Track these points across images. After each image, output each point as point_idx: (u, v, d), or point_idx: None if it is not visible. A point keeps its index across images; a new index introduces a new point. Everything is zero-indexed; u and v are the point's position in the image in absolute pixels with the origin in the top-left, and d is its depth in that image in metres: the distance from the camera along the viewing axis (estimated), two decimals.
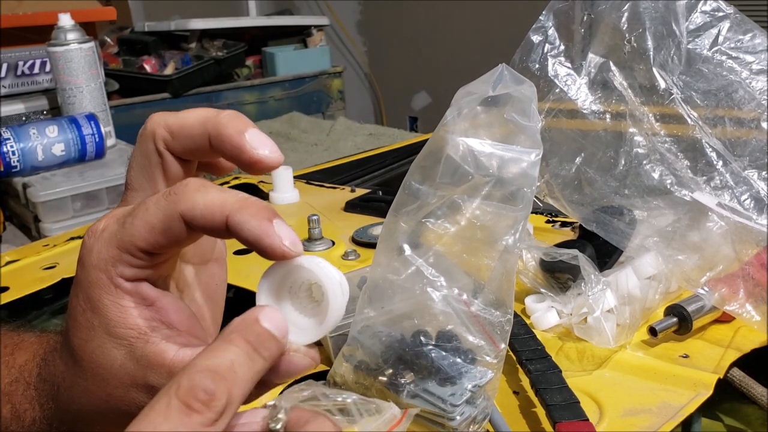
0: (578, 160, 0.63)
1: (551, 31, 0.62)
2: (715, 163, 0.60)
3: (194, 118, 0.34)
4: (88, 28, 1.42)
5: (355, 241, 0.80)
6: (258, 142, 0.32)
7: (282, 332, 0.30)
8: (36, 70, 1.48)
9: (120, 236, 0.32)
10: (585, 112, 0.62)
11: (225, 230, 0.31)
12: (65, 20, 1.26)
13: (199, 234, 0.32)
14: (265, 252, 0.30)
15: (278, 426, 0.29)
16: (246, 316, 0.30)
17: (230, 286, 0.65)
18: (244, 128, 0.33)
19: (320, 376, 0.54)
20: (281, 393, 0.32)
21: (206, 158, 0.36)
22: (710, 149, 0.60)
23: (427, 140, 0.45)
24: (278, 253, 0.30)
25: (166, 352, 0.32)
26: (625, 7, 0.62)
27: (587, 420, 0.44)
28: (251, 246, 0.30)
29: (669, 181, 0.61)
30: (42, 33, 1.36)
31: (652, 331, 0.55)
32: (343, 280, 0.32)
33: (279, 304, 0.32)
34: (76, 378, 0.34)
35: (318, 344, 0.61)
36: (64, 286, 0.79)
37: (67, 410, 0.35)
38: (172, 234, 0.31)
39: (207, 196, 0.31)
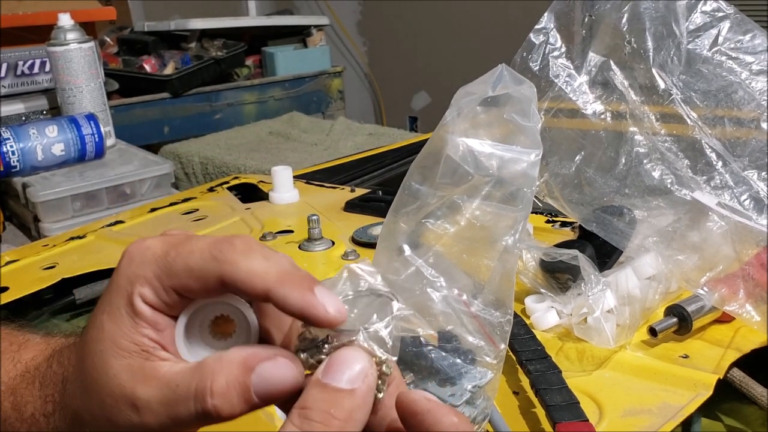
0: (578, 159, 0.63)
1: (552, 32, 0.62)
2: (714, 163, 0.60)
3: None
4: (88, 28, 1.42)
5: (354, 241, 0.80)
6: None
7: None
8: (36, 69, 1.48)
9: (158, 264, 0.32)
10: (585, 111, 0.62)
11: (264, 300, 0.31)
12: (65, 20, 1.26)
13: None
14: (310, 322, 0.31)
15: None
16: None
17: None
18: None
19: None
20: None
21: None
22: (710, 149, 0.60)
23: (426, 140, 0.45)
24: (324, 322, 0.31)
25: (161, 367, 0.32)
26: (626, 8, 0.62)
27: (587, 420, 0.44)
28: (296, 317, 0.31)
29: (669, 181, 0.61)
30: (42, 33, 1.37)
31: (652, 332, 0.55)
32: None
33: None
34: (79, 377, 0.35)
35: None
36: (63, 287, 0.79)
37: (68, 408, 0.36)
38: (206, 285, 0.32)
39: (251, 264, 0.31)
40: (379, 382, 0.32)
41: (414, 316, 0.34)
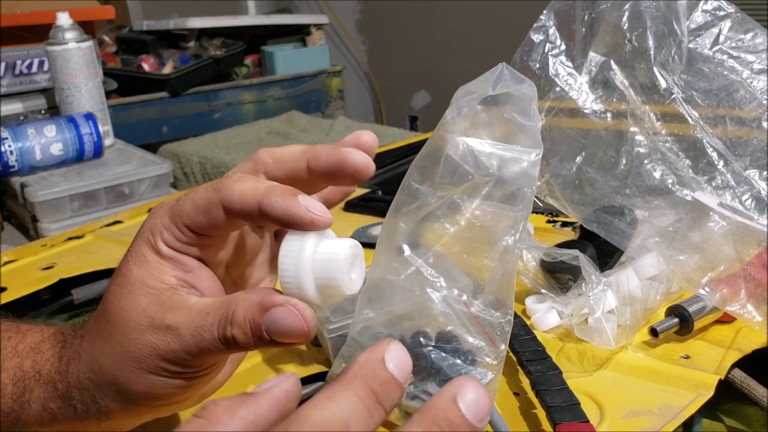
0: (579, 159, 0.62)
1: (552, 31, 0.62)
2: (716, 162, 0.60)
3: (295, 149, 0.39)
4: (87, 27, 1.42)
5: None
6: (356, 153, 0.38)
7: (405, 376, 0.30)
8: (34, 69, 1.48)
9: (173, 210, 0.37)
10: (586, 111, 0.62)
11: (258, 214, 0.34)
12: (63, 19, 1.26)
13: (236, 220, 0.36)
14: (294, 223, 0.34)
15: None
16: (372, 355, 0.29)
17: None
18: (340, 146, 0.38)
19: (320, 377, 0.54)
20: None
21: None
22: (711, 149, 0.60)
23: (426, 140, 0.45)
24: (306, 221, 0.33)
25: (189, 299, 0.36)
26: (626, 6, 0.62)
27: (588, 421, 0.44)
28: (283, 222, 0.34)
29: (670, 181, 0.61)
30: (40, 32, 1.36)
31: (653, 332, 0.54)
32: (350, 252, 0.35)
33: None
34: (99, 325, 0.38)
35: (317, 345, 0.61)
36: (61, 287, 0.78)
37: (85, 356, 0.38)
38: (212, 216, 0.35)
39: (243, 186, 0.35)
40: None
41: None
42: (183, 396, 0.38)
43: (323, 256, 0.34)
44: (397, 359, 0.29)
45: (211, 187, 0.36)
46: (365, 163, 0.38)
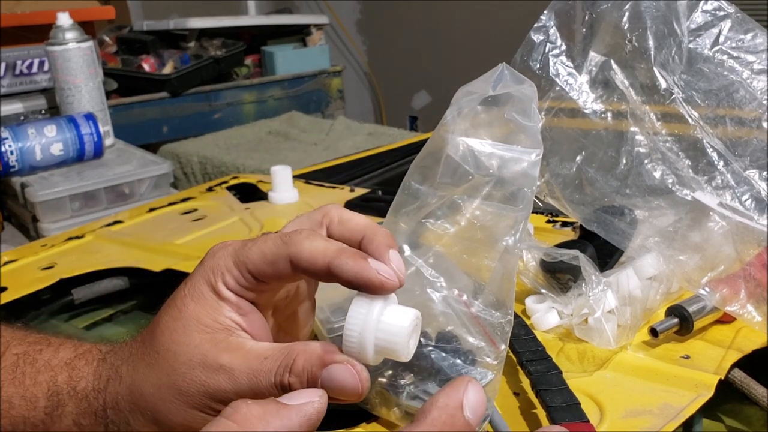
0: (579, 159, 0.62)
1: (552, 31, 0.62)
2: (716, 162, 0.60)
3: (361, 219, 0.40)
4: (87, 28, 1.42)
5: None
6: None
7: (479, 420, 0.31)
8: (34, 69, 1.48)
9: (238, 254, 0.37)
10: (586, 111, 0.62)
11: (326, 274, 0.35)
12: (64, 19, 1.26)
13: (300, 275, 0.37)
14: (365, 286, 0.35)
15: None
16: (452, 397, 0.31)
17: None
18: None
19: None
20: None
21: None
22: (711, 149, 0.60)
23: (427, 140, 0.45)
24: (377, 284, 0.35)
25: (245, 343, 0.37)
26: (627, 7, 0.62)
27: (588, 421, 0.44)
28: (353, 284, 0.35)
29: (670, 181, 0.61)
30: (40, 32, 1.36)
31: (653, 332, 0.54)
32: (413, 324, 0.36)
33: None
34: (146, 352, 0.38)
35: None
36: (62, 287, 0.78)
37: (125, 379, 0.38)
38: (277, 268, 0.36)
39: (313, 244, 0.36)
40: None
41: None
42: None
43: (387, 327, 0.35)
44: (474, 404, 0.31)
45: (280, 240, 0.36)
46: (391, 284, 0.36)
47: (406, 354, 0.36)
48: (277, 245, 0.36)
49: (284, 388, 0.35)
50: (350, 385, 0.34)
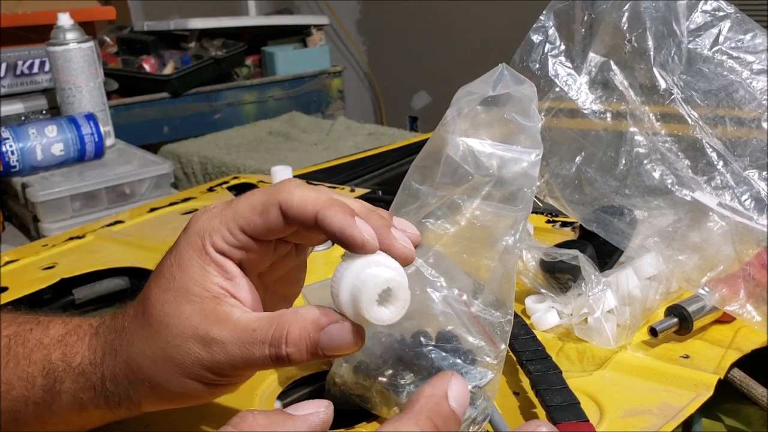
0: (578, 159, 0.62)
1: (552, 31, 0.62)
2: (715, 163, 0.60)
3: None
4: (88, 28, 1.42)
5: None
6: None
7: (464, 410, 0.31)
8: (35, 69, 1.48)
9: (224, 212, 0.37)
10: (585, 111, 0.62)
11: (314, 223, 0.35)
12: (64, 20, 1.26)
13: (290, 227, 0.36)
14: (347, 241, 0.35)
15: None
16: (437, 388, 0.31)
17: None
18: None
19: (320, 377, 0.54)
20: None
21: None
22: (711, 149, 0.60)
23: (427, 140, 0.45)
24: (359, 242, 0.34)
25: (233, 312, 0.36)
26: (626, 7, 0.62)
27: (587, 421, 0.44)
28: (335, 238, 0.35)
29: (670, 181, 0.61)
30: (41, 32, 1.36)
31: (653, 332, 0.54)
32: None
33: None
34: (139, 325, 0.38)
35: None
36: (63, 287, 0.78)
37: (122, 353, 0.39)
38: (268, 218, 0.36)
39: (303, 192, 0.36)
40: None
41: None
42: (215, 396, 0.40)
43: (358, 282, 0.34)
44: (458, 395, 0.31)
45: (269, 189, 0.36)
46: (371, 245, 0.36)
47: (373, 315, 0.34)
48: (267, 194, 0.36)
49: (281, 360, 0.35)
50: (349, 340, 0.34)
